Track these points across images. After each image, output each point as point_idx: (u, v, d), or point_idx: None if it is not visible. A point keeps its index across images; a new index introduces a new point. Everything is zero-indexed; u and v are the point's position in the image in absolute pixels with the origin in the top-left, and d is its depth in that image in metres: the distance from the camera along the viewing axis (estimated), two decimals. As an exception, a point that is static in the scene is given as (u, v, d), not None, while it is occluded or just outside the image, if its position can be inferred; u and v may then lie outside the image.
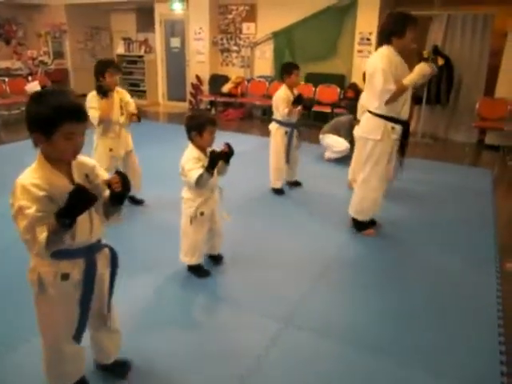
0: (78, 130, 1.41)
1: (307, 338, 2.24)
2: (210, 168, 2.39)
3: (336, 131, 5.49)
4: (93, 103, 3.44)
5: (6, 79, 7.94)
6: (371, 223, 3.51)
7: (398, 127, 3.13)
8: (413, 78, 2.96)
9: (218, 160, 2.41)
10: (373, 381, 1.97)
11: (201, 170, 2.41)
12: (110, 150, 3.59)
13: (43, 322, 1.61)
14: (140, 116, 3.72)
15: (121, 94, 3.66)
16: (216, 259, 2.91)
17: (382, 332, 2.30)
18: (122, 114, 3.59)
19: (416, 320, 2.42)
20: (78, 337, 1.64)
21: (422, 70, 2.95)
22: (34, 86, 7.62)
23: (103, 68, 3.48)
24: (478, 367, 2.07)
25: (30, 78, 8.35)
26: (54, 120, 1.36)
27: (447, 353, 2.16)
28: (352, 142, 5.01)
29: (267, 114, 8.42)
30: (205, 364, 2.04)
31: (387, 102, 3.02)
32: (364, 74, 4.78)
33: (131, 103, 3.71)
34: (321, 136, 5.66)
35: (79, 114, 1.42)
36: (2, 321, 2.30)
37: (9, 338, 2.15)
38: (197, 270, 2.79)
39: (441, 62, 6.50)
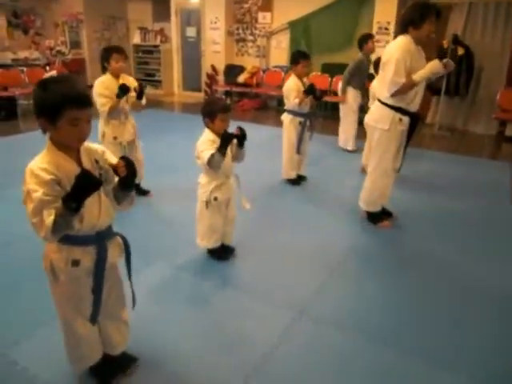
0: (82, 116, 1.42)
1: (321, 329, 2.24)
2: (222, 148, 2.40)
3: (359, 78, 5.26)
4: (101, 90, 3.34)
5: (25, 69, 8.03)
6: (387, 215, 3.48)
7: (406, 119, 3.08)
8: (422, 75, 2.90)
9: (229, 140, 2.42)
10: (385, 373, 1.97)
11: (213, 151, 2.43)
12: (115, 138, 3.53)
13: (59, 307, 1.66)
14: (140, 90, 3.50)
15: (126, 81, 3.50)
16: (227, 250, 2.90)
17: (396, 325, 2.29)
18: (126, 101, 3.48)
19: (430, 313, 2.40)
20: (93, 319, 1.68)
21: (433, 67, 2.87)
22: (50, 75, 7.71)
23: (108, 54, 3.40)
24: (494, 361, 2.05)
25: (47, 68, 8.44)
26: (57, 106, 1.38)
27: (463, 347, 2.13)
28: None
29: (283, 104, 8.36)
30: (217, 351, 2.06)
31: (394, 95, 2.98)
32: (375, 63, 4.72)
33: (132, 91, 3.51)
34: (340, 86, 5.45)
35: (82, 101, 1.42)
36: (21, 306, 2.35)
37: (28, 324, 2.20)
38: (215, 253, 2.84)
39: (461, 51, 6.37)
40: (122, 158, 1.51)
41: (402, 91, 2.96)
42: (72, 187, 1.30)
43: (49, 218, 1.32)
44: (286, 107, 4.17)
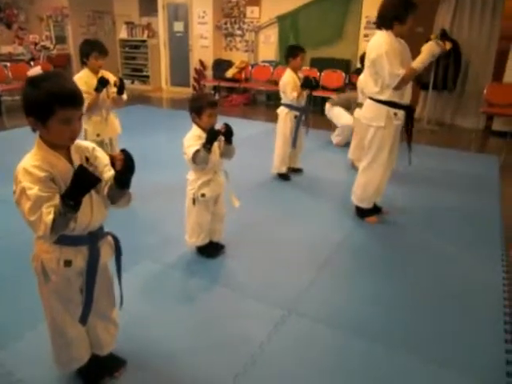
0: (73, 115, 1.39)
1: (311, 326, 2.23)
2: (207, 144, 2.37)
3: (346, 107, 5.37)
4: (80, 86, 3.24)
5: (8, 64, 7.87)
6: (375, 210, 3.48)
7: (401, 112, 3.07)
8: (422, 59, 2.86)
9: (214, 136, 2.38)
10: (375, 370, 1.96)
11: (198, 147, 2.40)
12: (98, 135, 3.45)
13: (48, 308, 1.62)
14: (120, 84, 3.34)
15: (105, 75, 3.36)
16: (216, 247, 2.88)
17: (386, 322, 2.29)
18: (107, 96, 3.39)
19: (421, 308, 2.40)
20: (83, 320, 1.65)
21: (430, 48, 2.85)
22: (36, 72, 7.56)
23: (88, 50, 3.30)
24: (484, 356, 2.05)
25: (32, 63, 8.28)
26: (48, 106, 1.34)
27: (452, 341, 2.14)
28: None
29: (272, 99, 8.34)
30: (207, 350, 2.03)
31: (397, 88, 2.93)
32: (361, 58, 4.71)
33: (112, 86, 3.40)
34: (328, 107, 5.56)
35: (74, 100, 1.38)
36: (8, 308, 2.30)
37: (15, 326, 2.15)
38: (204, 250, 2.81)
39: (448, 46, 6.38)
40: (123, 150, 1.43)
41: (404, 82, 2.91)
42: (70, 184, 1.27)
43: (48, 216, 1.29)
44: (282, 101, 4.17)
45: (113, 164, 1.41)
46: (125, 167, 1.40)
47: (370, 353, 2.05)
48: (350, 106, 5.32)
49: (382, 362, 2.00)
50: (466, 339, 2.16)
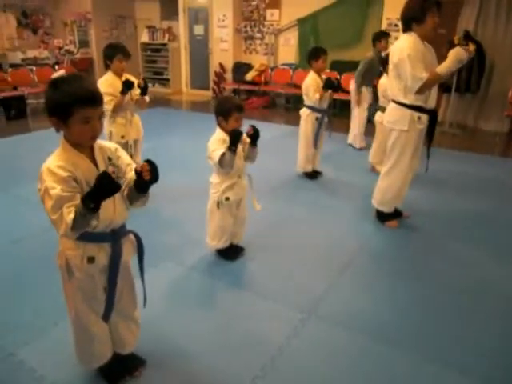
0: (93, 114, 1.43)
1: (330, 330, 2.22)
2: (232, 146, 2.36)
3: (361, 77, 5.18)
4: (104, 88, 3.23)
5: (34, 68, 8.09)
6: (396, 214, 3.43)
7: (425, 117, 3.02)
8: (448, 66, 2.80)
9: (238, 137, 2.37)
10: (393, 374, 1.93)
11: (224, 150, 2.39)
12: (122, 137, 3.50)
13: (72, 306, 1.65)
14: (144, 86, 3.41)
15: (130, 79, 3.45)
16: (236, 250, 2.88)
17: (405, 325, 2.26)
18: (131, 99, 3.45)
19: (441, 314, 2.36)
20: (106, 317, 1.69)
21: (458, 55, 2.78)
22: (60, 75, 7.73)
23: (112, 53, 3.37)
24: (503, 363, 2.01)
25: (56, 67, 8.48)
26: (68, 106, 1.39)
27: (473, 348, 2.10)
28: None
29: (291, 102, 8.33)
30: (225, 351, 2.04)
31: (418, 92, 2.88)
32: (382, 60, 4.64)
33: (136, 88, 3.46)
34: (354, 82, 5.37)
35: (93, 99, 1.43)
36: (29, 306, 2.35)
37: (36, 324, 2.20)
38: (225, 253, 2.82)
39: (472, 47, 6.25)
40: (148, 161, 1.45)
41: (427, 86, 2.86)
42: (92, 188, 1.31)
43: (68, 215, 1.33)
44: (305, 103, 4.22)
45: (138, 174, 1.43)
46: (152, 177, 1.43)
47: (388, 357, 2.03)
48: (373, 73, 5.06)
49: (400, 366, 1.97)
50: (486, 345, 2.11)
